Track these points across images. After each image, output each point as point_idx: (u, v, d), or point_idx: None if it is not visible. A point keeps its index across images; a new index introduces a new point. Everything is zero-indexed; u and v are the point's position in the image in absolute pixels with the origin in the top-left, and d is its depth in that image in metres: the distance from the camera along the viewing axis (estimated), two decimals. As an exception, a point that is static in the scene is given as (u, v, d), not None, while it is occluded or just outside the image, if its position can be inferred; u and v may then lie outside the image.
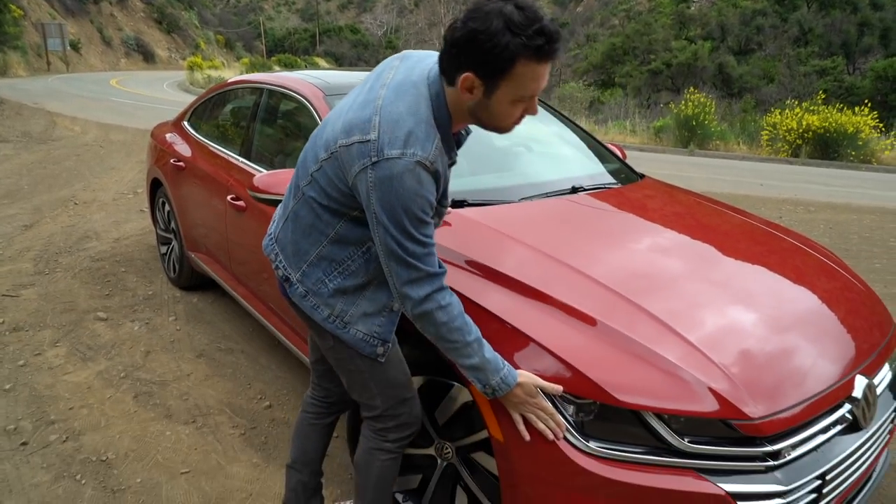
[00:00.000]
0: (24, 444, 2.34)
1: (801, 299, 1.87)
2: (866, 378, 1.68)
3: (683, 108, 14.02)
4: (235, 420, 2.54)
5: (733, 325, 1.68)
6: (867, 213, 6.77)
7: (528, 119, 3.18)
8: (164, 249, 4.10)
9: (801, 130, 12.60)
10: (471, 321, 1.42)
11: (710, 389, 1.45)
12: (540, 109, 3.16)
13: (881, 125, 13.56)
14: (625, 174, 2.85)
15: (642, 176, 2.90)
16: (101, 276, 4.08)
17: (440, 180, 1.36)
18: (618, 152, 3.14)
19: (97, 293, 3.81)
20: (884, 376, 1.86)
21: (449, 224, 2.03)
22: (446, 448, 1.81)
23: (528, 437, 1.47)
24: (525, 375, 1.45)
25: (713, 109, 14.44)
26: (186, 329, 3.36)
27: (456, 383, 1.70)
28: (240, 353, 3.12)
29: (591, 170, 2.78)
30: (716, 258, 2.04)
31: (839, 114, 12.84)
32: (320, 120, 2.44)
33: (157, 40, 43.62)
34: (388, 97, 1.34)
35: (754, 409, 1.45)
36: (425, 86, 1.35)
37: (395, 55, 1.52)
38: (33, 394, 2.69)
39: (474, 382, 1.46)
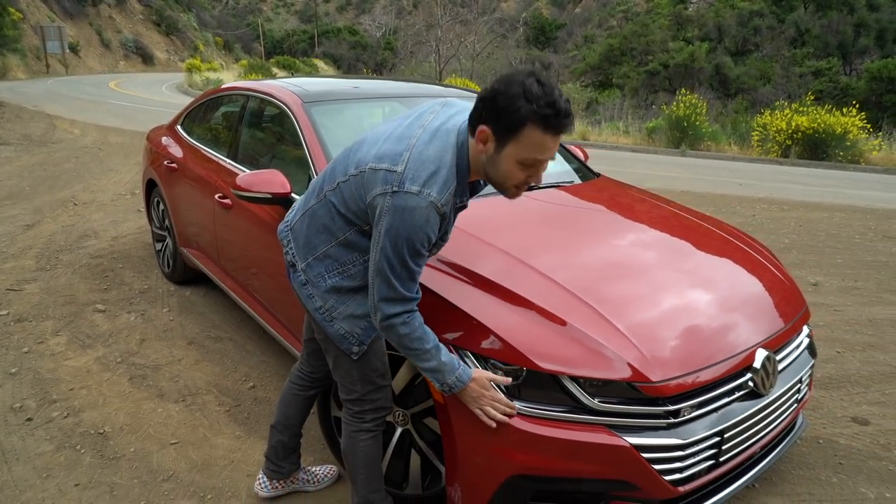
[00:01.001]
0: (29, 419, 2.59)
1: (715, 281, 2.12)
2: (767, 351, 1.92)
3: (675, 108, 14.24)
4: (221, 399, 2.78)
5: (645, 300, 1.92)
6: (838, 211, 7.01)
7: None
8: (158, 246, 4.34)
9: (790, 131, 12.82)
10: (429, 330, 1.62)
11: (618, 356, 1.70)
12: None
13: (869, 126, 13.78)
14: (582, 173, 3.09)
15: (598, 175, 3.14)
16: (99, 272, 4.32)
17: (445, 222, 1.55)
18: (579, 154, 3.37)
19: (96, 287, 4.05)
20: (790, 352, 2.11)
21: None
22: (401, 415, 2.05)
23: (514, 412, 1.66)
24: (478, 372, 1.65)
25: (704, 110, 14.67)
26: (179, 319, 3.61)
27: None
28: (228, 340, 3.36)
29: (549, 169, 3.02)
30: (643, 244, 2.28)
31: (828, 115, 13.05)
32: (298, 124, 2.68)
33: (155, 42, 43.90)
34: (423, 138, 1.53)
35: (656, 374, 1.69)
36: (455, 135, 1.53)
37: (439, 100, 1.70)
38: (37, 377, 2.93)
39: (433, 382, 1.66)
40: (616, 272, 2.07)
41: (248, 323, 3.56)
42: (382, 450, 1.94)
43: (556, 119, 1.38)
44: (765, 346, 1.94)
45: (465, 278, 1.95)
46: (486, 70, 32.60)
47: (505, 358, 1.71)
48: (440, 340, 1.68)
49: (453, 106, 1.65)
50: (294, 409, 2.10)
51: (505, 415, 1.65)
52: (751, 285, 2.17)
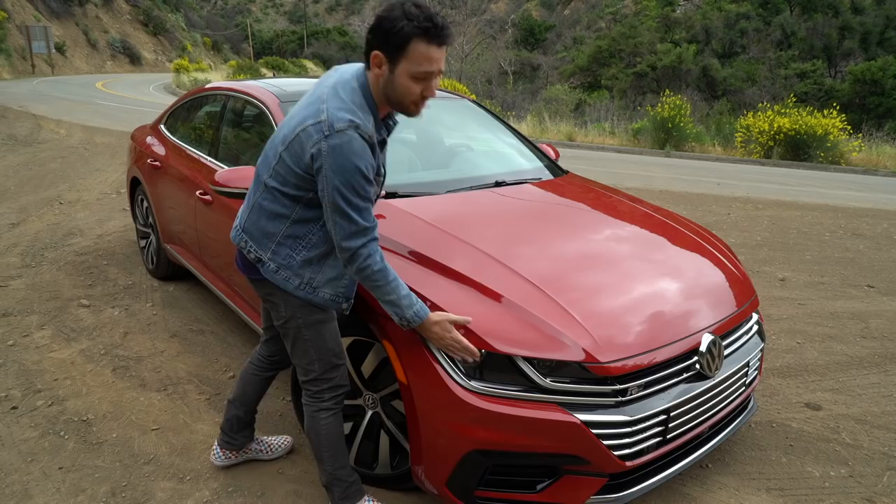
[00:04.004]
0: (14, 408, 2.67)
1: (668, 271, 2.24)
2: (712, 336, 2.05)
3: (660, 110, 14.43)
4: (202, 388, 2.87)
5: (600, 289, 2.05)
6: (811, 209, 7.19)
7: (467, 123, 3.53)
8: (143, 243, 4.42)
9: (772, 132, 13.04)
10: (391, 267, 1.76)
11: (570, 340, 1.81)
12: (483, 113, 3.55)
13: (850, 127, 14.03)
14: (551, 171, 3.22)
15: (566, 172, 3.27)
16: (84, 269, 4.39)
17: (375, 150, 1.71)
18: (550, 152, 3.50)
19: (81, 283, 4.13)
20: (738, 337, 2.24)
21: (380, 212, 2.38)
22: (371, 399, 2.16)
23: (478, 357, 1.78)
24: (440, 315, 1.79)
25: (689, 112, 14.87)
26: (162, 314, 3.69)
27: (376, 342, 2.05)
28: (210, 333, 3.45)
29: (519, 167, 3.14)
30: (603, 237, 2.41)
31: (809, 116, 13.29)
32: (276, 123, 2.78)
33: (143, 42, 43.70)
34: (329, 94, 1.70)
35: (605, 356, 1.81)
36: (354, 80, 1.71)
37: (331, 69, 1.90)
38: (22, 368, 3.01)
39: (393, 317, 1.78)
40: (575, 263, 2.19)
41: (230, 316, 3.65)
42: (346, 429, 2.06)
43: (435, 31, 1.58)
44: (712, 332, 2.07)
45: (430, 269, 2.06)
46: (475, 71, 32.75)
47: (465, 341, 1.82)
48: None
49: (341, 67, 1.84)
50: (251, 387, 2.24)
51: (471, 356, 1.77)
52: (701, 275, 2.30)
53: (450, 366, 1.82)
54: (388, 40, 1.60)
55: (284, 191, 1.76)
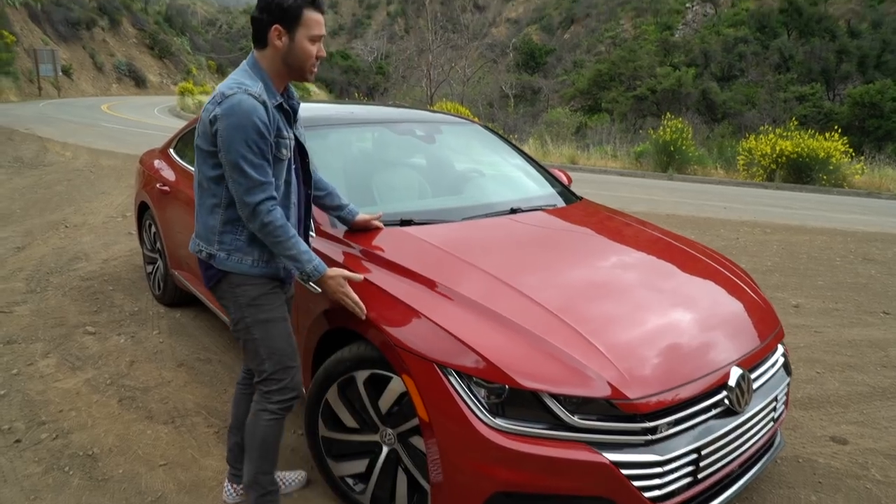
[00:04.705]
0: (17, 441, 2.59)
1: (692, 301, 2.19)
2: (741, 370, 1.99)
3: (662, 133, 14.48)
4: (210, 420, 2.80)
5: (624, 320, 1.99)
6: (820, 234, 7.15)
7: (478, 148, 3.50)
8: (149, 269, 4.37)
9: (774, 155, 13.06)
10: (290, 225, 1.89)
11: (598, 376, 1.75)
12: (492, 138, 3.52)
13: (852, 150, 14.05)
14: (564, 197, 3.18)
15: (581, 198, 3.23)
16: (90, 294, 4.34)
17: (269, 110, 1.83)
18: (563, 177, 3.47)
19: (86, 309, 4.07)
20: (765, 370, 2.17)
21: (397, 241, 2.34)
22: (388, 435, 2.09)
23: (364, 315, 1.97)
24: (336, 271, 1.96)
25: (690, 135, 14.92)
26: (169, 341, 3.63)
27: (395, 376, 1.99)
28: (217, 362, 3.38)
29: (533, 193, 3.11)
30: (623, 265, 2.36)
31: (811, 139, 13.32)
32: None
33: (148, 66, 44.16)
34: (224, 83, 1.89)
35: (633, 391, 1.75)
36: (244, 65, 1.92)
37: None
38: (26, 399, 2.94)
39: (294, 271, 1.95)
40: (596, 292, 2.14)
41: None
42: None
43: (319, 2, 1.86)
44: (739, 365, 2.01)
45: (448, 298, 2.00)
46: (477, 94, 33.02)
47: (487, 376, 1.76)
48: (423, 359, 1.78)
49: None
50: (243, 407, 2.21)
51: (360, 313, 1.97)
52: (726, 305, 2.25)
53: (473, 402, 1.76)
54: (285, 14, 1.83)
55: (208, 175, 1.89)
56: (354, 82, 51.37)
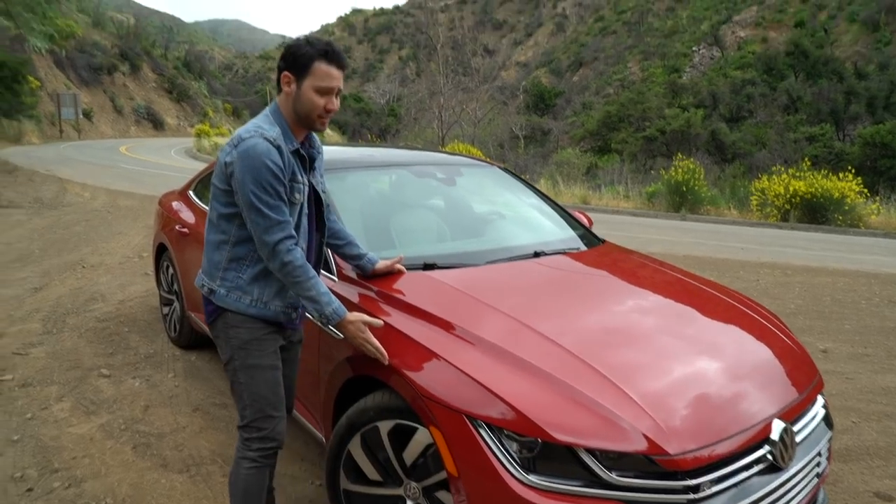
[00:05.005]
0: (29, 490, 2.53)
1: (725, 348, 2.12)
2: (784, 422, 1.90)
3: (674, 173, 14.50)
4: (226, 469, 2.72)
5: (667, 374, 1.91)
6: (841, 276, 7.04)
7: (500, 190, 3.48)
8: (166, 310, 4.35)
9: (788, 196, 13.00)
10: (309, 266, 1.91)
11: (634, 428, 1.68)
12: (512, 180, 3.51)
13: (866, 190, 13.97)
14: (587, 239, 3.14)
15: (603, 241, 3.18)
16: (105, 336, 4.31)
17: (284, 154, 1.87)
18: (584, 219, 3.43)
19: (101, 352, 4.04)
20: (807, 423, 2.08)
21: (421, 285, 2.30)
22: (413, 489, 2.00)
23: (387, 361, 1.93)
24: (356, 315, 1.96)
25: (702, 175, 14.93)
26: (184, 385, 3.57)
27: (420, 427, 1.92)
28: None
29: (555, 235, 3.07)
30: (651, 310, 2.30)
31: (825, 180, 13.27)
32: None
33: (166, 108, 45.29)
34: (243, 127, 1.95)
35: (673, 446, 1.66)
36: (265, 110, 1.98)
37: None
38: (39, 444, 2.88)
39: (312, 313, 1.95)
40: (625, 338, 2.08)
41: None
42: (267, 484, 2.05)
43: (333, 54, 1.88)
44: (781, 417, 1.92)
45: (475, 345, 1.95)
46: (488, 135, 33.45)
47: (519, 429, 1.69)
48: (452, 410, 1.72)
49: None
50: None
51: (383, 359, 1.95)
52: (761, 352, 2.17)
53: (505, 457, 1.68)
54: (295, 62, 1.88)
55: (220, 212, 1.93)
56: (367, 124, 52.26)
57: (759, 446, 1.83)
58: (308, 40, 1.90)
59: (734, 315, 2.42)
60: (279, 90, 1.95)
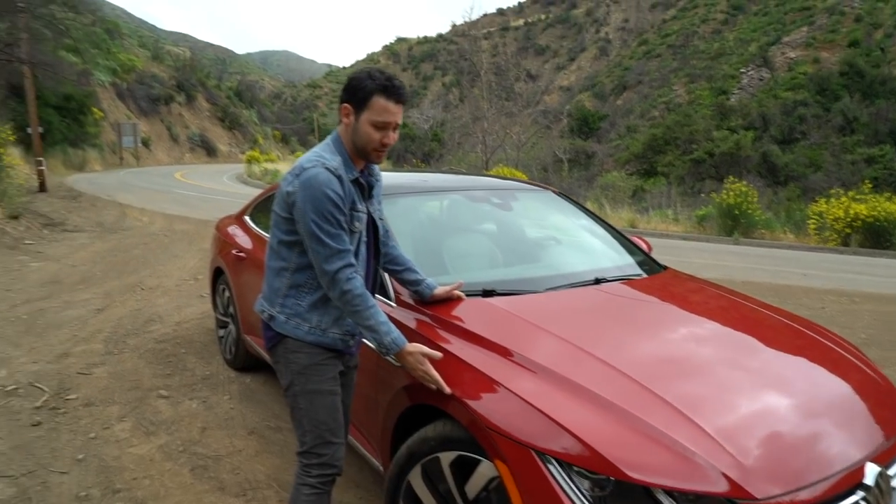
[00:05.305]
0: (92, 510, 2.57)
1: (814, 388, 1.99)
2: (879, 466, 1.76)
3: (725, 196, 14.12)
4: (282, 494, 2.71)
5: (743, 408, 1.81)
6: (914, 303, 6.65)
7: (555, 213, 3.41)
8: (221, 333, 4.42)
9: (848, 219, 12.48)
10: (369, 295, 1.91)
11: (717, 469, 1.58)
12: (567, 204, 3.45)
13: (933, 213, 13.27)
14: (648, 265, 3.04)
15: (665, 267, 3.08)
16: (163, 357, 4.41)
17: (344, 183, 1.89)
18: (643, 245, 3.34)
19: (160, 372, 4.12)
20: (901, 465, 1.92)
21: (482, 313, 2.26)
22: (476, 523, 1.93)
23: (447, 391, 1.89)
24: (415, 346, 1.94)
25: (756, 199, 14.49)
26: (240, 408, 3.60)
27: (484, 459, 1.86)
28: (287, 431, 3.32)
29: (615, 261, 2.99)
30: (732, 346, 2.18)
31: (888, 202, 12.69)
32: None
33: (219, 136, 47.04)
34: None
35: (759, 490, 1.56)
36: (327, 139, 2.00)
37: None
38: (102, 464, 2.93)
39: (371, 342, 1.96)
40: (699, 371, 1.98)
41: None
42: None
43: (392, 89, 1.87)
44: (874, 460, 1.78)
45: (541, 375, 1.89)
46: (531, 159, 33.40)
47: (591, 465, 1.61)
48: (520, 444, 1.66)
49: None
50: None
51: (442, 391, 1.90)
52: (847, 389, 2.03)
53: (576, 495, 1.60)
54: (354, 95, 1.89)
55: (280, 239, 1.96)
56: (411, 149, 52.94)
57: (853, 492, 1.70)
58: (370, 74, 1.89)
59: (813, 347, 2.29)
60: (340, 120, 1.97)
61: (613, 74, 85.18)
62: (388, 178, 3.24)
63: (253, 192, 18.49)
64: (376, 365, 2.30)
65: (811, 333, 2.41)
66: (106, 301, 5.91)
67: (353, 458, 2.85)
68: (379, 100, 1.87)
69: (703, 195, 22.55)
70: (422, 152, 50.26)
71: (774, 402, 1.88)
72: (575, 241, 3.26)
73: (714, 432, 1.68)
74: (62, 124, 25.73)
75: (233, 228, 4.39)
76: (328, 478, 1.99)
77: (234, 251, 4.07)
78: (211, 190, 20.24)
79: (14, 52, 16.52)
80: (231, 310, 4.17)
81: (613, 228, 3.38)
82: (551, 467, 1.65)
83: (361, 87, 1.87)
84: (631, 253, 3.18)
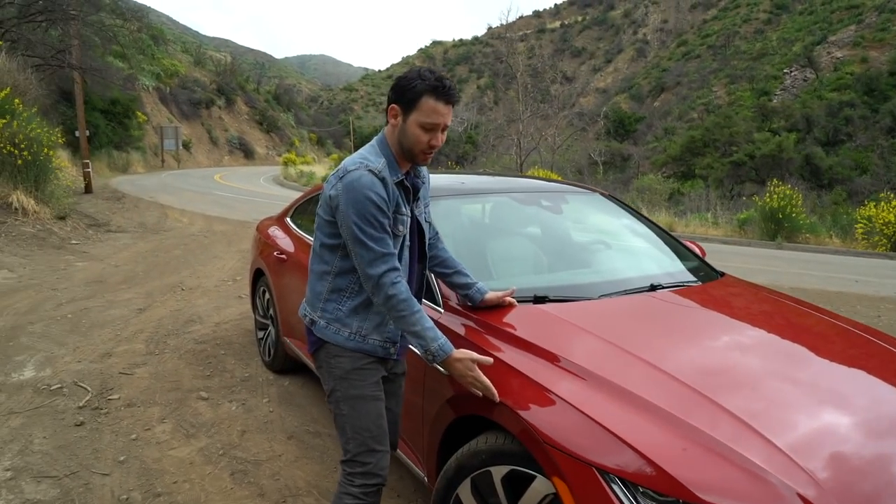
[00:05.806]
0: (134, 513, 2.55)
1: (886, 399, 1.83)
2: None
3: (768, 200, 13.69)
4: (322, 502, 2.65)
5: (821, 427, 1.67)
6: (981, 313, 6.28)
7: (606, 216, 3.29)
8: (260, 334, 4.41)
9: (899, 224, 11.95)
10: (415, 300, 1.85)
11: (790, 488, 1.44)
12: (616, 207, 3.32)
13: None
14: (704, 272, 2.89)
15: (722, 274, 2.93)
16: (203, 358, 4.42)
17: (388, 186, 1.84)
18: (696, 249, 3.19)
19: (200, 374, 4.13)
20: None
21: (535, 320, 2.16)
22: (530, 542, 1.83)
23: (497, 399, 1.82)
24: (463, 353, 1.86)
25: (800, 202, 14.01)
26: (279, 411, 3.57)
27: (539, 475, 1.75)
28: (327, 436, 3.26)
29: (670, 267, 2.85)
30: (801, 358, 2.04)
31: (942, 206, 12.13)
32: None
33: (257, 139, 47.90)
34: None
35: (845, 517, 1.42)
36: (373, 140, 1.94)
37: None
38: (143, 466, 2.92)
39: (417, 349, 1.88)
40: (779, 393, 1.82)
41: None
42: None
43: (443, 90, 1.81)
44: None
45: (601, 388, 1.77)
46: (566, 161, 33.06)
47: (658, 486, 1.50)
48: (581, 461, 1.56)
49: None
50: None
51: (492, 397, 1.83)
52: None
53: (642, 518, 1.49)
54: (403, 95, 1.83)
55: (323, 243, 1.93)
56: (444, 151, 53.00)
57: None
58: (420, 73, 1.83)
59: (890, 360, 2.12)
60: (387, 121, 1.91)
61: (651, 76, 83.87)
62: (438, 179, 3.17)
63: (288, 194, 18.74)
64: (424, 372, 2.22)
65: (889, 346, 2.24)
66: (147, 301, 5.99)
67: (394, 467, 2.77)
68: (429, 100, 1.81)
69: (743, 198, 21.96)
70: (456, 154, 50.23)
71: (862, 427, 1.72)
72: (627, 246, 3.13)
73: (786, 448, 1.54)
74: (108, 128, 26.53)
75: (274, 230, 4.38)
76: (372, 488, 1.92)
77: (275, 253, 4.05)
78: (249, 192, 20.55)
79: (65, 59, 17.09)
80: (271, 312, 4.15)
81: (666, 232, 3.24)
82: (615, 487, 1.54)
83: (411, 87, 1.81)
84: (685, 258, 3.03)
